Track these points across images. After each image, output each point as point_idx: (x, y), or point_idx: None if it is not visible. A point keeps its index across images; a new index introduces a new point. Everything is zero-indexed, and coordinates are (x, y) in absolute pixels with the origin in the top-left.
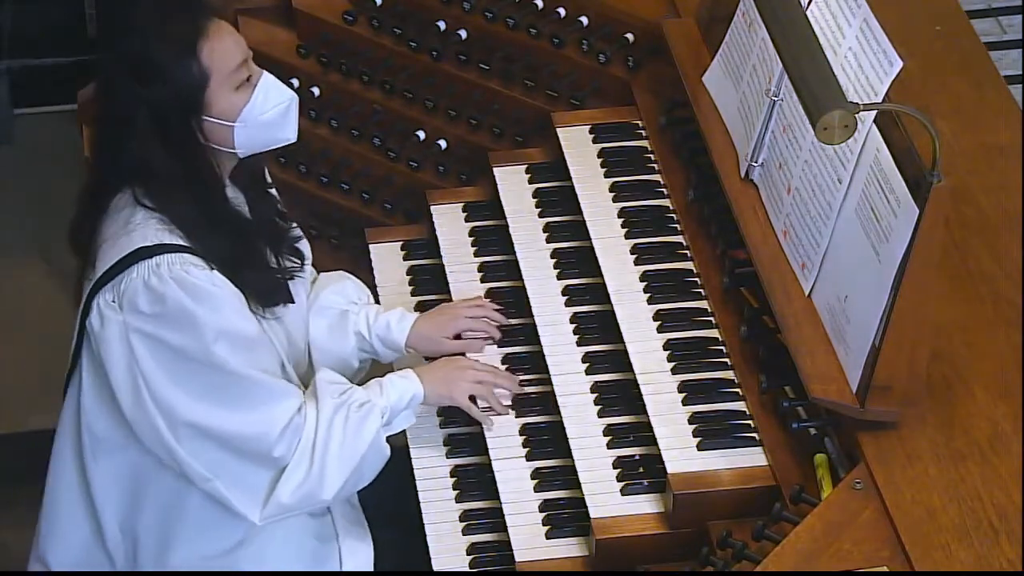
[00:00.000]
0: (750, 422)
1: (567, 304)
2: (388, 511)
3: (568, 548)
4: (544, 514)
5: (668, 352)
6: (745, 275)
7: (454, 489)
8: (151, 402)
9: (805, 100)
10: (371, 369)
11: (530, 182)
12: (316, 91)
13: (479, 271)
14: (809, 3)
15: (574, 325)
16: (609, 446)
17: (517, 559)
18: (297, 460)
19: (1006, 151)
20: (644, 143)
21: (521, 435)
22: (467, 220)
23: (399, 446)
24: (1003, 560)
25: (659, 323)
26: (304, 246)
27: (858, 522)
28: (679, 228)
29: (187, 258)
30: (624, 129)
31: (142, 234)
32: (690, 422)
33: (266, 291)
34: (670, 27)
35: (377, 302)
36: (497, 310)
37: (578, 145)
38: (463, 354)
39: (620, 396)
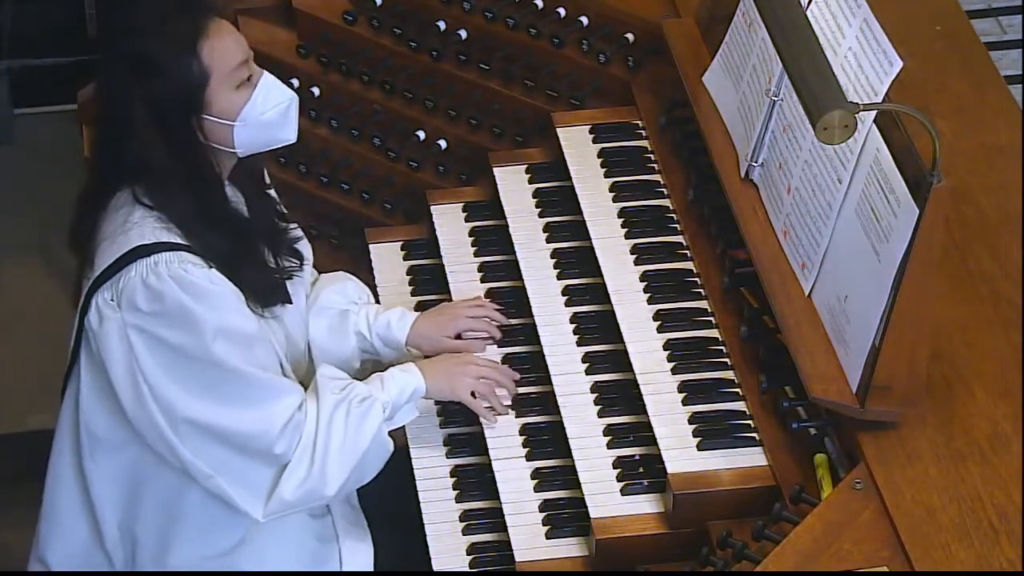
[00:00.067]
0: (750, 422)
1: (567, 304)
2: (388, 511)
3: (568, 548)
4: (544, 514)
5: (668, 352)
6: (745, 275)
7: (454, 489)
8: (151, 400)
9: (805, 100)
10: (371, 369)
11: (530, 182)
12: (316, 91)
13: (479, 271)
14: (809, 3)
15: (574, 325)
16: (609, 446)
17: (517, 559)
18: (299, 457)
19: (1006, 151)
20: (644, 143)
21: (521, 435)
22: (467, 220)
23: (399, 446)
24: (1003, 560)
25: (659, 323)
26: (304, 247)
27: (858, 522)
28: (679, 228)
29: (185, 256)
30: (624, 129)
31: (140, 232)
32: (690, 422)
33: (264, 290)
34: (670, 27)
35: (377, 302)
36: (497, 310)
37: (578, 145)
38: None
39: (620, 396)
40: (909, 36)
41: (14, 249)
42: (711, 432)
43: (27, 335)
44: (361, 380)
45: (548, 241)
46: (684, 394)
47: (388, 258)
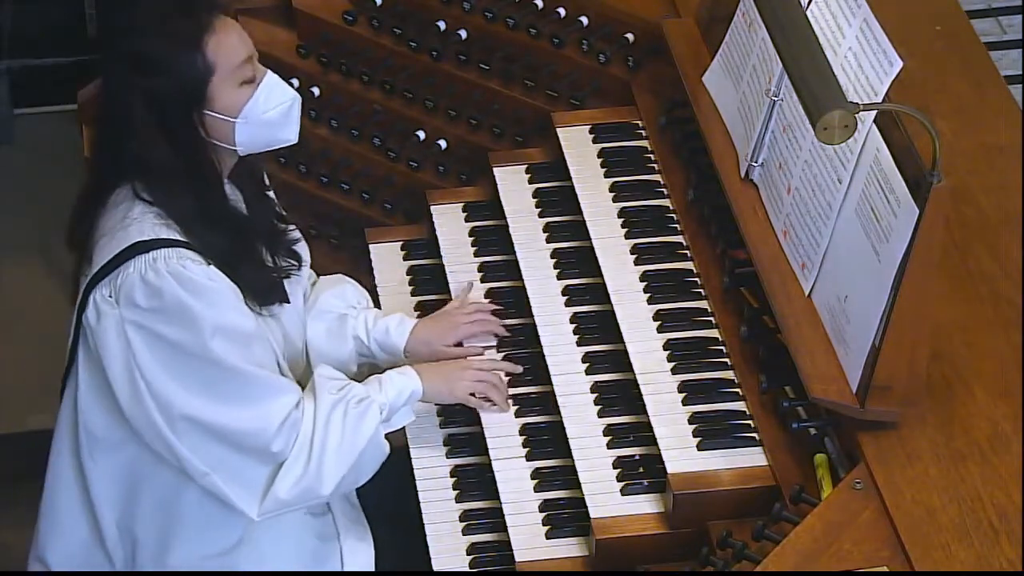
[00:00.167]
0: (750, 422)
1: (567, 304)
2: (388, 511)
3: (568, 548)
4: (544, 514)
5: (668, 352)
6: (745, 275)
7: (454, 489)
8: (148, 396)
9: (805, 100)
10: (368, 373)
11: (530, 182)
12: (316, 91)
13: (479, 271)
14: (809, 3)
15: (574, 325)
16: (609, 446)
17: (517, 559)
18: (295, 455)
19: (1006, 151)
20: (644, 143)
21: (521, 435)
22: (467, 220)
23: (399, 446)
24: (1003, 560)
25: (659, 323)
26: (302, 248)
27: (858, 522)
28: (679, 228)
29: (184, 253)
30: (624, 129)
31: (139, 228)
32: (690, 422)
33: (262, 289)
34: (670, 27)
35: (377, 302)
36: (496, 311)
37: (578, 145)
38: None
39: (620, 396)
40: (909, 36)
41: (14, 249)
42: (711, 432)
43: (27, 335)
44: (358, 382)
45: (548, 241)
46: (684, 394)
47: (388, 258)
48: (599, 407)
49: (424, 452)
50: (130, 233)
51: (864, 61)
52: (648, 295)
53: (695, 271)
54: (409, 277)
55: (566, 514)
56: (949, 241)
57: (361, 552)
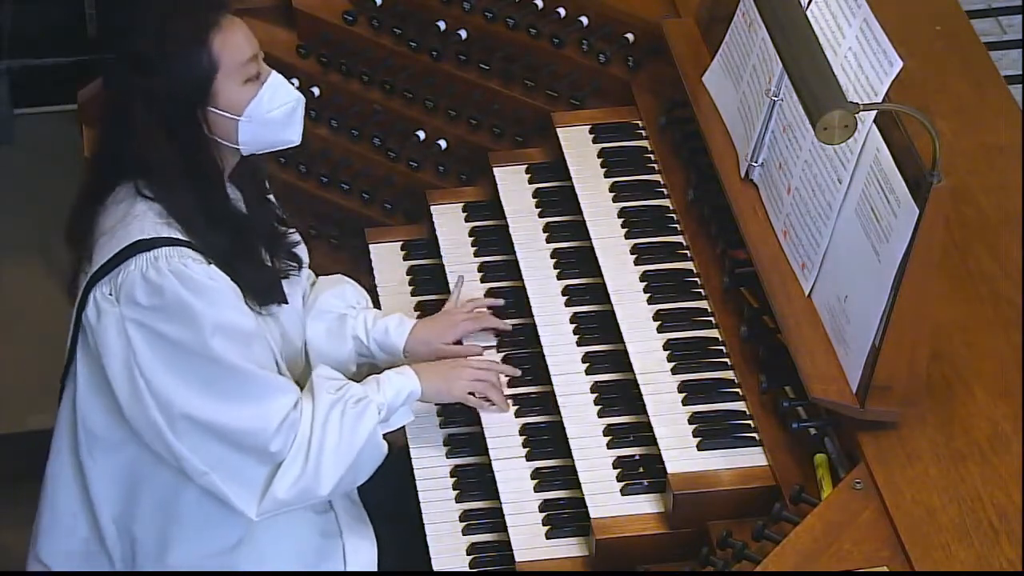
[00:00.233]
0: (750, 422)
1: (567, 304)
2: (388, 511)
3: (568, 548)
4: (544, 514)
5: (668, 352)
6: (745, 275)
7: (454, 489)
8: (148, 395)
9: (805, 100)
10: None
11: (530, 182)
12: (316, 91)
13: (479, 271)
14: (809, 3)
15: (574, 325)
16: (609, 446)
17: (517, 559)
18: (293, 456)
19: (1006, 151)
20: (644, 143)
21: (521, 435)
22: (467, 220)
23: (399, 446)
24: (1003, 560)
25: (659, 323)
26: (302, 251)
27: (858, 522)
28: (679, 228)
29: (185, 252)
30: (624, 129)
31: (140, 226)
32: (690, 422)
33: (261, 289)
34: (670, 27)
35: (377, 302)
36: (496, 310)
37: (578, 145)
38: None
39: (620, 396)
40: (909, 36)
41: (14, 249)
42: (711, 432)
43: (27, 335)
44: (357, 382)
45: (548, 241)
46: (684, 394)
47: (388, 258)
48: (599, 407)
49: (424, 452)
50: (131, 231)
51: (864, 61)
52: (648, 295)
53: (695, 271)
54: (409, 277)
55: (566, 514)
56: (949, 241)
57: (363, 549)
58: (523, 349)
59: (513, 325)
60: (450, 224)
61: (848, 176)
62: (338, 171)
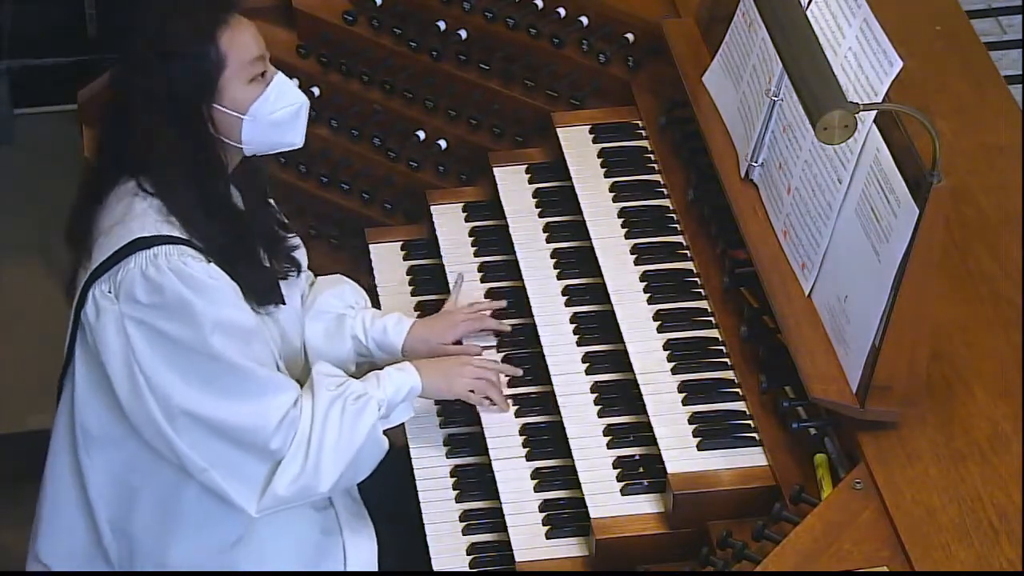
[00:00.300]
0: (750, 422)
1: (567, 304)
2: (388, 511)
3: (568, 548)
4: (544, 514)
5: (668, 352)
6: (745, 275)
7: (454, 489)
8: (148, 392)
9: (805, 100)
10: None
11: (530, 182)
12: (316, 91)
13: (479, 271)
14: (809, 3)
15: (574, 325)
16: (609, 446)
17: (517, 559)
18: (293, 453)
19: (1006, 151)
20: (644, 143)
21: (521, 435)
22: (467, 220)
23: (399, 446)
24: (1003, 560)
25: (659, 323)
26: (301, 255)
27: (858, 522)
28: (679, 228)
29: (185, 250)
30: (624, 129)
31: (140, 224)
32: (690, 422)
33: (260, 290)
34: (670, 27)
35: (377, 302)
36: (498, 310)
37: (578, 145)
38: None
39: (620, 396)
40: (909, 36)
41: (14, 249)
42: (711, 432)
43: (27, 335)
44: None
45: (548, 241)
46: (684, 394)
47: (388, 258)
48: (599, 407)
49: (424, 452)
50: (131, 228)
51: (864, 61)
52: (648, 295)
53: (695, 271)
54: (409, 277)
55: (566, 514)
56: (949, 241)
57: (364, 547)
58: (523, 349)
59: (513, 325)
60: (450, 224)
61: (848, 176)
62: (338, 171)
